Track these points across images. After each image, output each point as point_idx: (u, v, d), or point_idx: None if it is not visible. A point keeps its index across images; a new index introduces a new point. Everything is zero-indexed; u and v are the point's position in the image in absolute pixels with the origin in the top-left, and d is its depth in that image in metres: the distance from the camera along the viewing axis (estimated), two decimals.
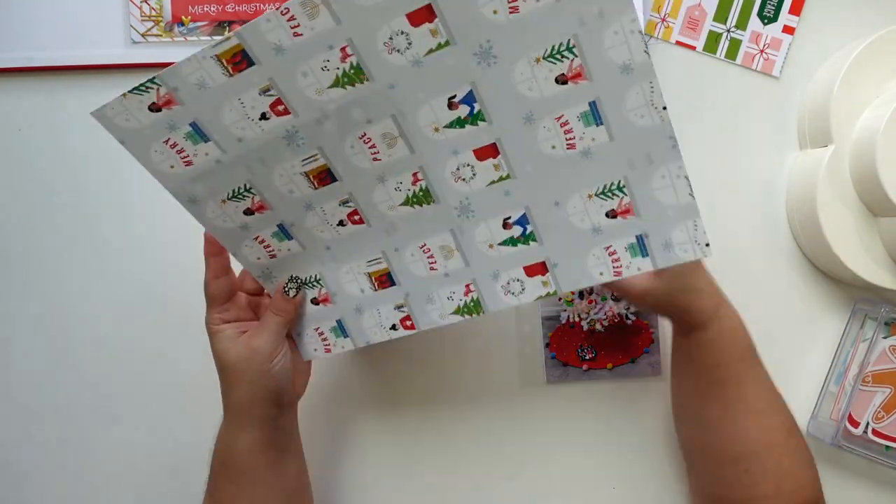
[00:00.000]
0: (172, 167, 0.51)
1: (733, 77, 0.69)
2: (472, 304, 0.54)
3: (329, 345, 0.58)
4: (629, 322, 0.68)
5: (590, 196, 0.49)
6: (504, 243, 0.52)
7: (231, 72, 0.47)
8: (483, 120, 0.48)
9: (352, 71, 0.47)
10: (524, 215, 0.51)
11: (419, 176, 0.51)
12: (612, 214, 0.49)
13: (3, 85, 0.67)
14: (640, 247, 0.50)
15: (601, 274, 0.51)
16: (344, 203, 0.53)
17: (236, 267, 0.57)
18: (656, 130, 0.46)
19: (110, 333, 0.69)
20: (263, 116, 0.49)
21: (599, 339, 0.68)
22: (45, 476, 0.69)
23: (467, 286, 0.53)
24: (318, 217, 0.53)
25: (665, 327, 0.69)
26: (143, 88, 0.48)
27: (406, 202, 0.52)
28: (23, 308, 0.69)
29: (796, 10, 0.69)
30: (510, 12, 0.44)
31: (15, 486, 0.69)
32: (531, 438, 0.69)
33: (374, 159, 0.50)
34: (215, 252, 0.55)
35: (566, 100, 0.46)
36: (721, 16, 0.69)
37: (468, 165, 0.50)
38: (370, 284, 0.55)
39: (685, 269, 0.53)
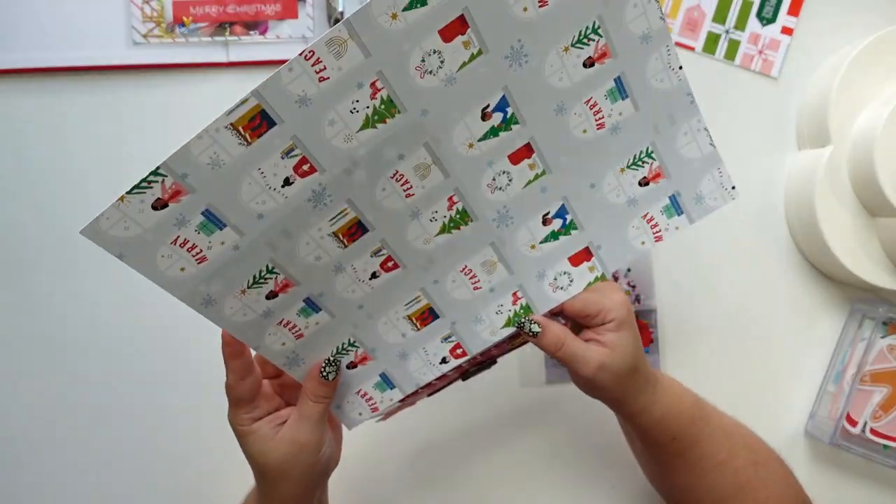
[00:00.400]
0: (183, 269, 0.44)
1: (732, 78, 0.69)
2: (521, 311, 0.51)
3: (375, 403, 0.53)
4: None
5: (622, 170, 0.49)
6: (545, 240, 0.50)
7: (249, 139, 0.41)
8: (516, 123, 0.46)
9: (382, 107, 0.43)
10: (563, 206, 0.49)
11: (455, 199, 0.47)
12: (644, 182, 0.50)
13: (5, 86, 0.67)
14: (675, 206, 0.51)
15: (643, 243, 0.51)
16: (376, 253, 0.48)
17: None
18: (675, 90, 0.47)
19: (110, 333, 0.69)
20: (287, 182, 0.43)
21: None
22: (44, 476, 0.69)
23: (514, 294, 0.51)
24: (348, 278, 0.48)
25: (665, 327, 0.69)
26: (145, 185, 0.41)
27: (442, 230, 0.48)
28: (22, 308, 0.69)
29: (795, 11, 0.69)
30: (540, 6, 0.43)
31: (14, 486, 0.69)
32: (531, 438, 0.70)
33: (408, 195, 0.46)
34: (236, 354, 0.48)
35: (594, 81, 0.46)
36: (720, 17, 0.69)
37: (504, 173, 0.47)
38: (412, 326, 0.51)
39: (636, 348, 0.51)
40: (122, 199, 0.41)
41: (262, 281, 0.46)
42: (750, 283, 0.70)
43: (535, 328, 0.51)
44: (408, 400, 0.56)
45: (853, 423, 0.66)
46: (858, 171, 0.63)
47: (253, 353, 0.50)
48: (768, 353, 0.70)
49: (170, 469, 0.69)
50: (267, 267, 0.46)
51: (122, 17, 0.66)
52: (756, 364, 0.70)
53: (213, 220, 0.43)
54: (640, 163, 0.49)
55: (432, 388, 0.57)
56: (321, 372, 0.50)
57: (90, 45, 0.66)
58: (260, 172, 0.42)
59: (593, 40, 0.44)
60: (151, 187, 0.41)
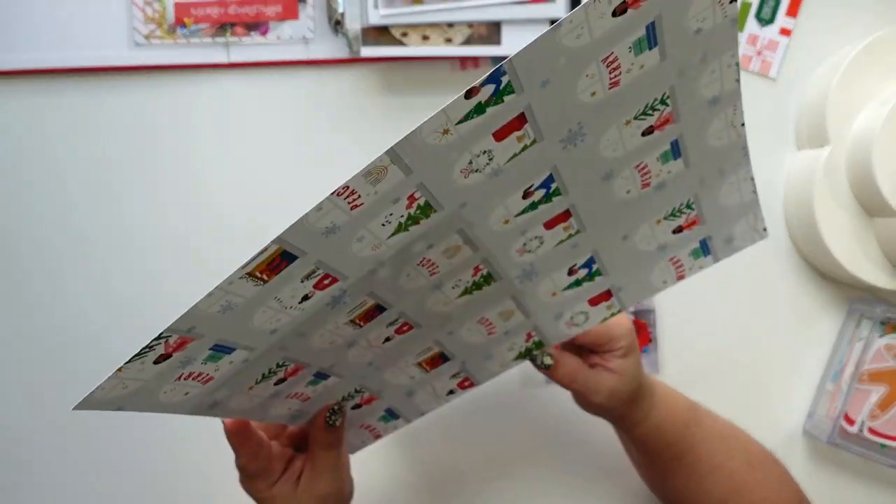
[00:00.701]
0: (188, 394, 0.42)
1: None
2: (532, 345, 0.52)
3: (378, 431, 0.53)
4: None
5: (658, 222, 0.46)
6: (568, 288, 0.48)
7: (266, 279, 0.37)
8: (558, 195, 0.41)
9: (418, 212, 0.38)
10: (591, 258, 0.47)
11: (480, 267, 0.44)
12: (678, 230, 0.47)
13: (6, 86, 0.67)
14: (703, 249, 0.49)
15: (664, 282, 0.51)
16: (392, 323, 0.45)
17: None
18: (732, 146, 0.43)
19: (110, 334, 0.69)
20: (305, 298, 0.39)
21: None
22: (44, 477, 0.70)
23: (528, 334, 0.51)
24: (360, 348, 0.46)
25: (663, 327, 0.69)
26: (147, 349, 0.38)
27: (464, 293, 0.46)
28: (22, 309, 0.69)
29: (793, 12, 0.69)
30: (611, 87, 0.37)
31: (14, 488, 0.69)
32: (531, 438, 0.70)
33: (432, 274, 0.43)
34: (244, 441, 0.47)
35: (650, 148, 0.41)
36: None
37: (536, 238, 0.44)
38: (420, 371, 0.50)
39: (638, 370, 0.53)
40: (120, 370, 0.38)
41: (270, 375, 0.44)
42: (748, 282, 0.70)
43: (548, 361, 0.52)
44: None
45: (851, 422, 0.67)
46: (857, 171, 0.63)
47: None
48: (766, 352, 0.70)
49: (170, 469, 0.69)
50: (277, 363, 0.44)
51: (124, 19, 0.66)
52: (754, 363, 0.70)
53: (221, 350, 0.40)
54: (677, 214, 0.46)
55: None
56: (326, 421, 0.49)
57: (91, 46, 0.66)
58: (277, 300, 0.39)
59: (658, 110, 0.39)
60: (153, 350, 0.38)
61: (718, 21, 0.36)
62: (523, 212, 0.42)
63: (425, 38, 0.64)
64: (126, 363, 0.38)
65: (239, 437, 0.47)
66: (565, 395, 0.70)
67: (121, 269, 0.69)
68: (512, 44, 0.64)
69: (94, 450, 0.69)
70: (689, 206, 0.46)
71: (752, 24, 0.69)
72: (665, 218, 0.46)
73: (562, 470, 0.70)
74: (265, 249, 0.35)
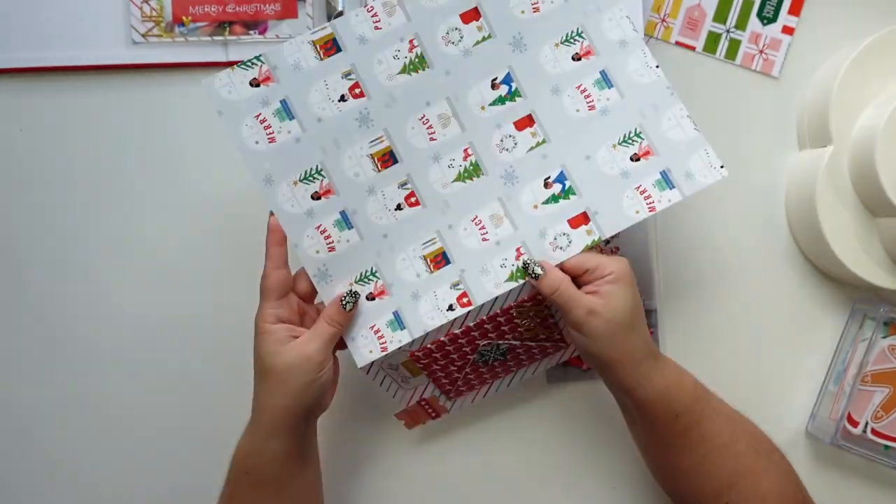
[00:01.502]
0: (257, 143, 0.57)
1: (733, 77, 0.69)
2: (523, 264, 0.57)
3: (385, 342, 0.58)
4: None
5: (614, 146, 0.58)
6: (547, 202, 0.58)
7: (322, 56, 0.57)
8: (519, 96, 0.59)
9: (416, 59, 0.58)
10: (562, 172, 0.58)
11: (469, 151, 0.58)
12: (635, 158, 0.58)
13: (4, 85, 0.67)
14: (666, 181, 0.58)
15: (637, 212, 0.58)
16: (402, 185, 0.58)
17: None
18: (655, 84, 0.58)
19: (110, 335, 0.69)
20: (342, 98, 0.57)
21: None
22: (42, 481, 0.69)
23: (517, 250, 0.58)
24: (378, 203, 0.58)
25: (665, 327, 0.69)
26: (250, 64, 0.57)
27: (458, 178, 0.59)
28: (21, 309, 0.69)
29: (795, 10, 0.69)
30: (533, 11, 0.58)
31: (13, 491, 0.69)
32: (531, 438, 0.69)
33: (431, 139, 0.58)
34: (279, 241, 0.56)
35: (582, 72, 0.59)
36: (720, 16, 0.69)
37: (510, 136, 0.59)
38: (426, 267, 0.59)
39: (633, 305, 0.54)
40: (233, 68, 0.57)
41: (310, 178, 0.58)
42: (751, 282, 0.70)
43: (538, 270, 0.56)
44: (432, 411, 0.66)
45: (854, 423, 0.66)
46: (859, 170, 0.63)
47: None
48: (769, 352, 0.70)
49: (171, 470, 0.69)
50: (316, 168, 0.58)
51: (122, 17, 0.65)
52: (757, 364, 0.70)
53: (286, 110, 0.57)
54: (629, 141, 0.58)
55: (468, 385, 0.65)
56: (342, 301, 0.56)
57: (89, 45, 0.66)
58: (325, 84, 0.57)
59: (578, 41, 0.59)
60: (253, 67, 0.57)
61: None
62: (494, 103, 0.59)
63: None
64: (237, 66, 0.57)
65: (275, 235, 0.56)
66: (565, 396, 0.70)
67: (119, 266, 0.69)
68: None
69: (93, 450, 0.69)
70: (637, 135, 0.58)
71: (754, 22, 0.69)
72: (619, 143, 0.58)
73: (562, 470, 0.70)
74: (324, 27, 0.57)
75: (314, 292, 0.59)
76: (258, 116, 0.57)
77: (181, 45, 0.66)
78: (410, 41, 0.57)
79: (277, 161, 0.57)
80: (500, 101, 0.58)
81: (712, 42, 0.69)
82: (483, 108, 0.58)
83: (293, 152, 0.57)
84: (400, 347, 0.58)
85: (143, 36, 0.65)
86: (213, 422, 0.69)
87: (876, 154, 0.61)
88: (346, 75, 0.57)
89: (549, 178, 0.59)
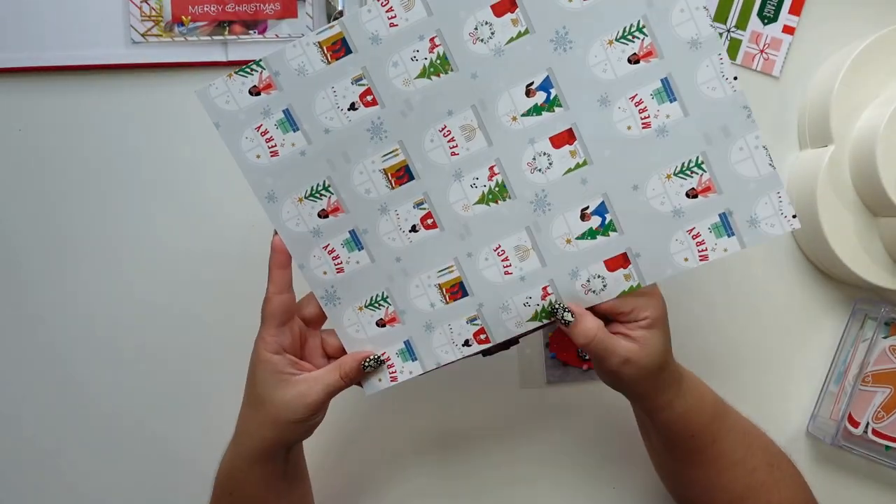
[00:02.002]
0: (259, 157, 0.52)
1: None
2: (549, 305, 0.52)
3: (395, 372, 0.55)
4: None
5: (668, 176, 0.49)
6: (582, 237, 0.51)
7: (329, 59, 0.50)
8: (559, 105, 0.49)
9: (438, 61, 0.49)
10: (602, 203, 0.50)
11: (496, 170, 0.51)
12: (692, 194, 0.49)
13: (3, 85, 0.67)
14: (725, 226, 0.50)
15: (686, 260, 0.50)
16: (419, 205, 0.52)
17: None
18: (729, 102, 0.47)
19: (110, 335, 0.69)
20: (352, 107, 0.51)
21: None
22: (41, 485, 0.69)
23: (544, 289, 0.52)
24: (391, 222, 0.53)
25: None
26: (248, 70, 0.51)
27: (481, 200, 0.51)
28: (21, 309, 0.69)
29: (796, 10, 0.68)
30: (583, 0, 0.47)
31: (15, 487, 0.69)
32: (531, 439, 0.69)
33: (453, 153, 0.51)
34: (282, 264, 0.52)
35: (639, 78, 0.48)
36: (721, 16, 0.69)
37: (544, 154, 0.50)
38: (441, 297, 0.54)
39: (665, 348, 0.51)
40: (230, 75, 0.51)
41: (317, 195, 0.53)
42: (751, 282, 0.70)
43: (569, 317, 0.50)
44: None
45: (855, 423, 0.66)
46: (860, 170, 0.63)
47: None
48: (770, 353, 0.70)
49: (171, 471, 0.69)
50: (323, 183, 0.52)
51: (121, 16, 0.65)
52: (757, 364, 0.70)
53: (290, 120, 0.51)
54: (688, 172, 0.49)
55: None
56: (364, 362, 0.53)
57: (88, 44, 0.66)
58: (332, 91, 0.51)
59: (638, 38, 0.47)
60: (252, 74, 0.51)
61: None
62: (528, 113, 0.50)
63: None
64: (234, 72, 0.51)
65: (280, 257, 0.53)
66: (565, 396, 0.69)
67: (118, 266, 0.69)
68: None
69: (93, 450, 0.69)
70: (698, 165, 0.49)
71: (754, 21, 0.68)
72: (675, 174, 0.49)
73: (562, 471, 0.70)
74: (331, 26, 0.50)
75: (321, 319, 0.56)
76: (259, 128, 0.51)
77: (181, 45, 0.66)
78: (431, 39, 0.49)
79: (281, 176, 0.52)
80: (536, 110, 0.49)
81: None
82: (515, 118, 0.50)
83: (298, 167, 0.52)
84: (410, 377, 0.55)
85: (143, 35, 0.65)
86: (214, 422, 0.69)
87: (877, 154, 0.60)
88: (357, 80, 0.50)
89: (587, 208, 0.50)
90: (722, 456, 0.55)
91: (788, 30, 0.69)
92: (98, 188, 0.68)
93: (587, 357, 0.68)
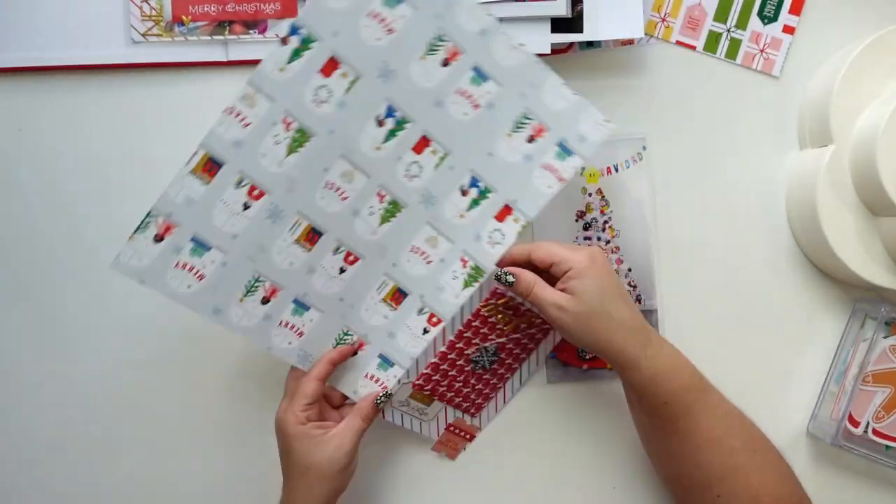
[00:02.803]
0: (190, 286, 0.56)
1: (733, 77, 0.69)
2: (472, 271, 0.61)
3: (383, 382, 0.62)
4: None
5: (509, 135, 0.59)
6: (470, 208, 0.61)
7: (208, 179, 0.55)
8: (407, 122, 0.58)
9: (297, 135, 0.56)
10: (473, 178, 0.60)
11: (382, 193, 0.59)
12: (531, 139, 0.60)
13: (4, 85, 0.67)
14: (565, 150, 0.60)
15: (549, 187, 0.60)
16: (336, 251, 0.59)
17: None
18: (525, 63, 0.58)
19: (110, 335, 0.69)
20: (245, 206, 0.56)
21: None
22: (42, 481, 0.69)
23: (462, 259, 0.61)
24: (322, 276, 0.59)
25: (666, 327, 0.69)
26: (144, 225, 0.55)
27: (382, 221, 0.60)
28: (21, 309, 0.68)
29: (796, 9, 0.69)
30: (388, 33, 0.55)
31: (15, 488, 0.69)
32: (531, 438, 0.69)
33: (343, 198, 0.58)
34: (332, 360, 0.60)
35: (456, 75, 0.58)
36: (721, 15, 0.69)
37: (414, 163, 0.59)
38: (389, 307, 0.61)
39: (601, 294, 0.56)
40: (130, 238, 0.55)
41: (253, 289, 0.58)
42: (751, 282, 0.70)
43: (510, 278, 0.59)
44: (464, 433, 0.68)
45: (855, 423, 0.66)
46: (860, 170, 0.63)
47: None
48: (770, 353, 0.70)
49: (171, 471, 0.69)
50: (254, 276, 0.58)
51: (121, 16, 0.65)
52: (758, 364, 0.70)
53: (200, 245, 0.56)
54: (521, 125, 0.59)
55: (482, 396, 0.67)
56: (377, 399, 0.60)
57: (89, 44, 0.66)
58: (223, 202, 0.56)
59: (440, 46, 0.57)
60: (149, 226, 0.55)
61: None
62: (387, 139, 0.58)
63: None
64: (133, 233, 0.54)
65: (333, 355, 0.60)
66: (565, 396, 0.69)
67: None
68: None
69: (92, 450, 0.69)
70: (526, 118, 0.59)
71: (755, 21, 0.68)
72: (513, 131, 0.59)
73: (562, 470, 0.70)
74: (195, 153, 0.54)
75: (341, 400, 0.63)
76: (178, 264, 0.56)
77: (181, 45, 0.66)
78: (283, 120, 0.55)
79: (216, 291, 0.57)
80: (392, 134, 0.58)
81: (713, 41, 0.69)
82: (378, 147, 0.58)
83: (226, 277, 0.57)
84: (399, 382, 0.62)
85: (143, 35, 0.65)
86: (213, 422, 0.69)
87: (877, 153, 0.60)
88: (239, 183, 0.55)
89: (463, 186, 0.60)
90: (698, 431, 0.56)
91: (788, 29, 0.69)
92: (98, 188, 0.68)
93: (588, 357, 0.68)
